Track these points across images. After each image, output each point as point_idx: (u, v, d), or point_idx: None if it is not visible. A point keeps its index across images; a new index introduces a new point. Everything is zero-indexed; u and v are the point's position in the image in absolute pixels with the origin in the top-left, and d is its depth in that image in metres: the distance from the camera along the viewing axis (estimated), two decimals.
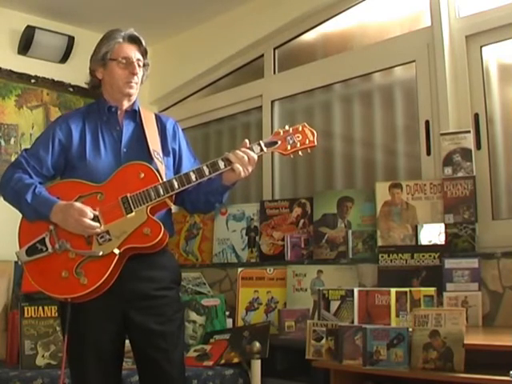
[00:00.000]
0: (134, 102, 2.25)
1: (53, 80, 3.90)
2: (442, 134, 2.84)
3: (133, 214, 2.03)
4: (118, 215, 2.03)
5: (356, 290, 2.54)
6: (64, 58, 3.92)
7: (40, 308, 2.92)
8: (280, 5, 3.62)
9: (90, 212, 2.01)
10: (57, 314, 2.24)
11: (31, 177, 2.12)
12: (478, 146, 2.83)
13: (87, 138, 2.16)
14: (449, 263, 2.65)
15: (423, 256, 2.76)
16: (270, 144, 2.15)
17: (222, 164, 2.09)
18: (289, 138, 2.15)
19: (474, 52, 2.91)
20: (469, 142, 2.78)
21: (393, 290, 2.47)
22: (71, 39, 3.88)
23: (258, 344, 2.72)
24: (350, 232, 3.10)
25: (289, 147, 2.15)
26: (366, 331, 2.26)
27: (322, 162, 3.55)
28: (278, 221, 3.42)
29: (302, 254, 3.27)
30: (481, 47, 2.89)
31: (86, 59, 4.08)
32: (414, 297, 2.48)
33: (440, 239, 2.79)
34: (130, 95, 2.20)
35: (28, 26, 3.72)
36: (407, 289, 2.51)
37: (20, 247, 2.10)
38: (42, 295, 3.04)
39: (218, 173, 2.10)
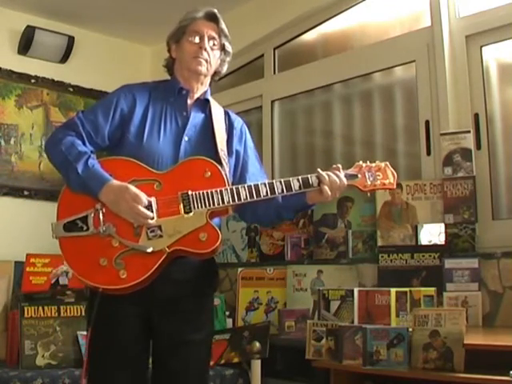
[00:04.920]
0: (206, 92, 2.08)
1: (53, 80, 3.90)
2: (442, 134, 2.84)
3: (191, 214, 1.84)
4: (174, 211, 1.84)
5: (356, 290, 2.54)
6: (64, 58, 3.92)
7: (40, 308, 2.92)
8: (280, 5, 3.62)
9: (145, 199, 1.82)
10: (86, 304, 2.08)
11: (84, 143, 1.91)
12: (478, 146, 2.83)
13: (149, 116, 1.97)
14: (449, 263, 2.65)
15: (423, 256, 2.76)
16: (350, 176, 2.01)
17: (315, 181, 1.94)
18: (369, 174, 2.02)
19: (474, 52, 2.91)
20: (469, 142, 2.78)
21: (393, 290, 2.47)
22: (71, 39, 3.88)
23: (257, 344, 2.72)
24: (350, 232, 3.10)
25: (368, 183, 2.02)
26: (366, 331, 2.26)
27: (322, 162, 3.54)
28: None
29: (302, 254, 3.27)
30: (481, 47, 2.89)
31: (86, 59, 4.10)
32: (414, 297, 2.48)
33: (440, 239, 2.79)
34: (197, 73, 2.00)
35: (28, 26, 3.72)
36: (407, 289, 2.51)
37: (58, 219, 1.87)
38: (43, 295, 3.09)
39: (306, 190, 1.95)
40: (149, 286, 1.82)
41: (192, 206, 1.85)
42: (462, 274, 2.61)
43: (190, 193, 1.85)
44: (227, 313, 3.26)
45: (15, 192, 3.67)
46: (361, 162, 2.04)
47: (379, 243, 2.93)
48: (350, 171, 2.03)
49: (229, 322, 3.24)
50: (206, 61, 2.01)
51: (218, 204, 1.85)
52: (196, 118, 2.03)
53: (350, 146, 3.45)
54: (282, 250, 3.36)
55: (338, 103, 3.55)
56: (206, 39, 2.01)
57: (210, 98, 2.08)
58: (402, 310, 2.46)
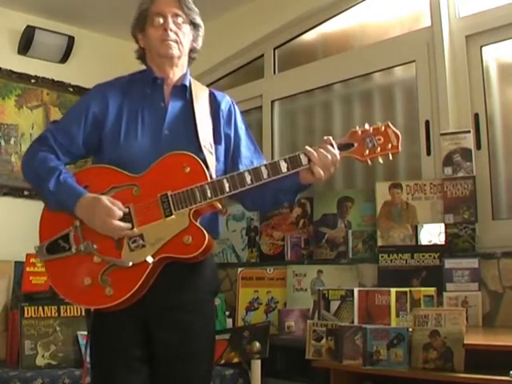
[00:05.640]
0: (185, 76, 1.92)
1: (53, 80, 3.90)
2: (442, 134, 2.84)
3: (173, 217, 1.71)
4: (155, 217, 1.71)
5: (356, 290, 2.54)
6: (64, 58, 3.92)
7: (40, 308, 2.92)
8: (280, 5, 3.62)
9: (118, 211, 1.70)
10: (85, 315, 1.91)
11: (58, 157, 1.81)
12: (478, 146, 2.83)
13: (124, 113, 1.84)
14: (449, 263, 2.65)
15: (423, 256, 2.76)
16: (344, 146, 1.79)
17: (304, 159, 1.74)
18: (368, 139, 1.78)
19: (474, 52, 2.91)
20: (469, 142, 2.78)
21: (393, 290, 2.47)
22: (71, 39, 3.88)
23: (257, 344, 2.72)
24: (350, 232, 3.10)
25: (367, 152, 1.79)
26: (366, 331, 2.26)
27: None
28: (277, 221, 3.42)
29: (302, 254, 3.26)
30: (481, 47, 2.89)
31: (86, 59, 4.09)
32: (414, 297, 2.48)
33: (440, 239, 2.79)
34: (169, 57, 1.85)
35: (28, 26, 3.72)
36: (407, 289, 2.50)
37: (40, 241, 1.79)
38: (43, 295, 3.09)
39: (298, 170, 1.75)
40: (152, 293, 1.73)
41: (172, 207, 1.71)
42: (461, 274, 2.61)
43: (169, 194, 1.72)
44: (227, 313, 3.26)
45: (15, 192, 3.67)
46: (357, 128, 1.82)
47: (379, 243, 2.93)
48: (344, 140, 1.81)
49: (229, 322, 3.24)
50: (176, 41, 1.85)
51: (200, 201, 1.71)
52: (175, 107, 1.88)
53: None
54: (282, 250, 3.36)
55: (337, 103, 3.54)
56: (169, 19, 1.84)
57: (190, 80, 1.93)
58: (401, 310, 2.46)
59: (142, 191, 1.74)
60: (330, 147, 1.76)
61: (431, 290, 2.51)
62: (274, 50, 3.83)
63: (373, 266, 2.92)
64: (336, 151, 1.76)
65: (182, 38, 1.87)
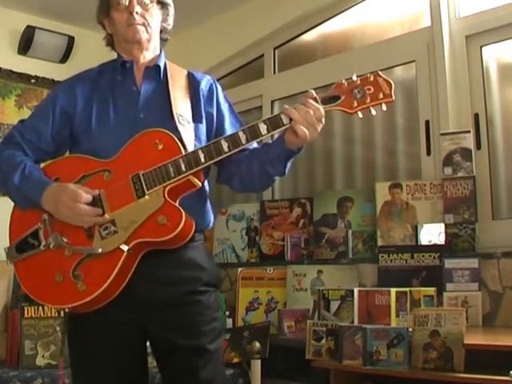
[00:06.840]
0: (159, 57, 1.81)
1: (53, 80, 3.90)
2: (442, 134, 2.84)
3: (146, 197, 1.57)
4: (127, 200, 1.58)
5: (356, 290, 2.54)
6: (64, 58, 3.92)
7: (40, 308, 2.92)
8: (280, 5, 3.62)
9: (86, 194, 1.57)
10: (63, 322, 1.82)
11: (26, 154, 1.71)
12: (478, 146, 2.83)
13: (94, 104, 1.74)
14: (449, 263, 2.65)
15: (423, 256, 2.76)
16: (329, 100, 1.63)
17: (285, 118, 1.60)
18: (356, 90, 1.64)
19: (474, 52, 2.91)
20: (469, 142, 2.78)
21: (393, 290, 2.47)
22: (71, 39, 3.88)
23: (257, 344, 2.72)
24: (350, 232, 3.10)
25: (355, 103, 1.62)
26: (366, 331, 2.26)
27: (322, 162, 3.55)
28: (278, 221, 3.42)
29: (302, 254, 3.26)
30: (481, 47, 2.89)
31: (86, 59, 4.11)
32: (414, 297, 2.48)
33: (440, 239, 2.79)
34: (137, 41, 1.74)
35: (28, 26, 3.72)
36: (407, 289, 2.51)
37: (10, 242, 1.67)
38: None
39: (279, 130, 1.61)
40: (134, 289, 1.58)
41: (145, 187, 1.57)
42: (462, 274, 2.61)
43: (140, 173, 1.59)
44: (227, 313, 3.26)
45: None
46: (343, 81, 1.67)
47: (379, 243, 2.93)
48: (329, 93, 1.65)
49: (229, 322, 3.24)
50: (144, 24, 1.74)
51: (174, 176, 1.57)
52: (148, 89, 1.76)
53: (350, 146, 3.45)
54: (282, 250, 3.35)
55: None
56: (134, 0, 1.72)
57: (164, 62, 1.81)
58: (401, 310, 2.46)
59: (113, 175, 1.62)
60: (311, 101, 1.61)
61: (431, 290, 2.51)
62: (274, 50, 3.84)
63: (373, 266, 2.92)
64: (319, 105, 1.60)
65: (150, 20, 1.75)
